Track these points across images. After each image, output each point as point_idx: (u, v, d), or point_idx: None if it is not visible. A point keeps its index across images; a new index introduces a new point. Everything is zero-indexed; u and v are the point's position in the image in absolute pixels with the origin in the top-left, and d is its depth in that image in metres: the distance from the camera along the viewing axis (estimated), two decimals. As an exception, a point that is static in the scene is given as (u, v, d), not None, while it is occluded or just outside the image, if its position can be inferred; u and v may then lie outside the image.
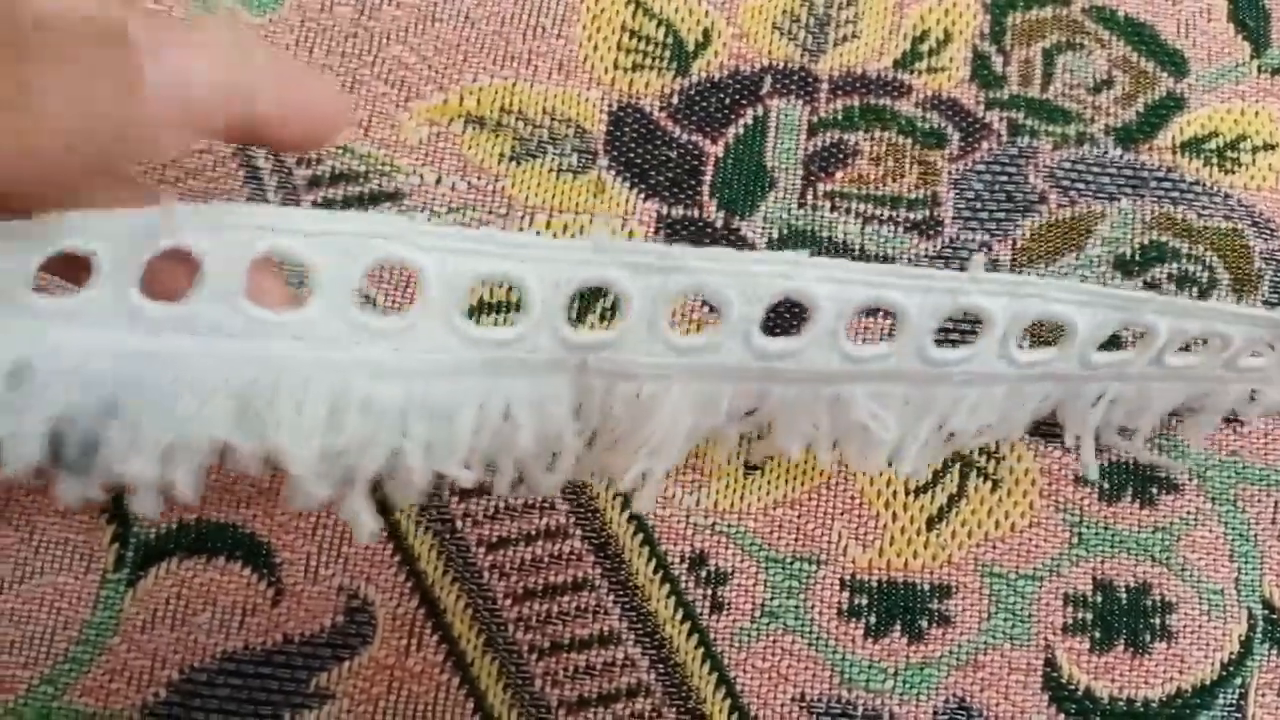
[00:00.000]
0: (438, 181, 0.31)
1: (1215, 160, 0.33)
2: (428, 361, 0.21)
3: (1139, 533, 0.30)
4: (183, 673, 0.28)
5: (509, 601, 0.29)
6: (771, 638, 0.29)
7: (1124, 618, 0.29)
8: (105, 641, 0.28)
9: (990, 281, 0.23)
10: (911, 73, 0.33)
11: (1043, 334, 0.30)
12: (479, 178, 0.32)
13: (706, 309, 0.30)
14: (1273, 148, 0.33)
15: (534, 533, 0.29)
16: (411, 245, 0.20)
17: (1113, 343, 0.26)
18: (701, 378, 0.23)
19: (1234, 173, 0.33)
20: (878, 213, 0.32)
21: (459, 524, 0.29)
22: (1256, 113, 0.33)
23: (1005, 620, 0.29)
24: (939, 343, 0.24)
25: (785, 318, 0.29)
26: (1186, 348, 0.27)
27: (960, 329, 0.30)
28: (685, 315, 0.30)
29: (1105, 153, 0.33)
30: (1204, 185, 0.32)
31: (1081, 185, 0.32)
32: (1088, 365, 0.26)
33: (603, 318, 0.30)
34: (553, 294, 0.21)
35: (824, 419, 0.24)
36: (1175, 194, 0.32)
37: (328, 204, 0.31)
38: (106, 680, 0.28)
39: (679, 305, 0.30)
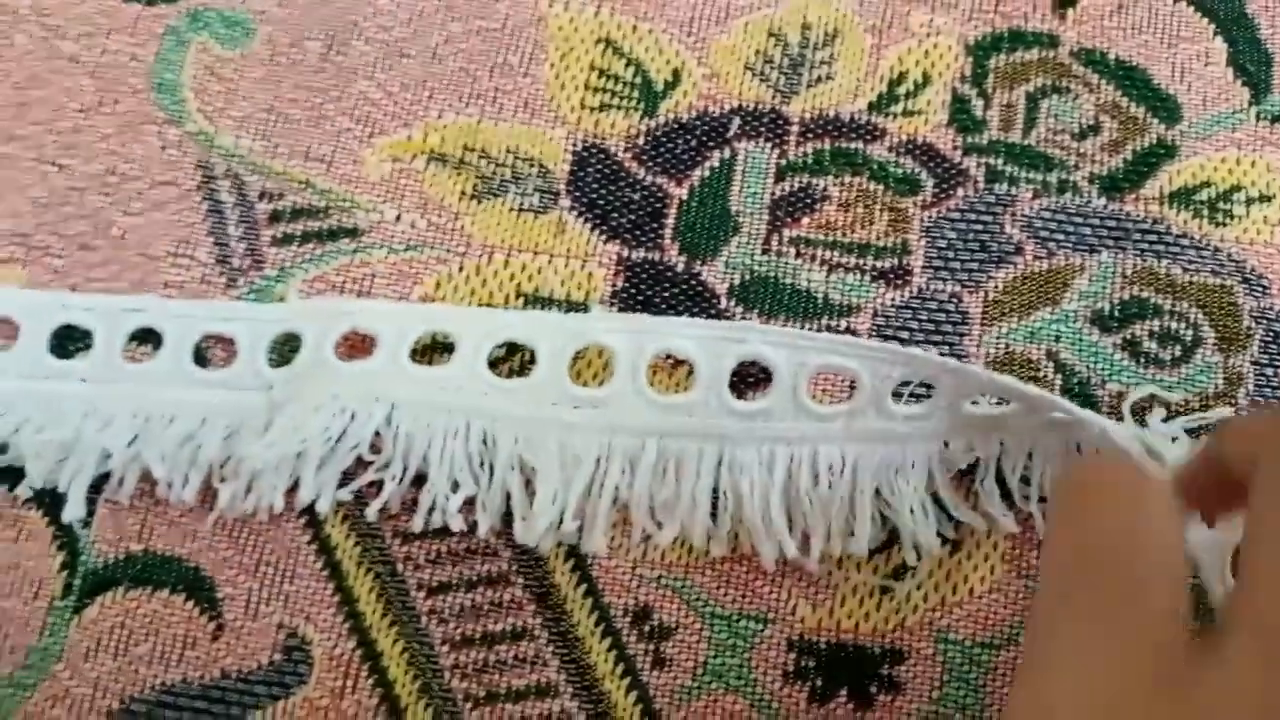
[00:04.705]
0: (397, 218, 0.31)
1: (1206, 212, 0.31)
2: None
3: (1106, 603, 0.28)
4: (122, 703, 0.28)
5: (446, 648, 0.28)
6: (713, 697, 0.28)
7: (1085, 692, 0.28)
8: (49, 668, 0.28)
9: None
10: (886, 116, 0.32)
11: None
12: (439, 215, 0.31)
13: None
14: (1269, 199, 0.31)
15: (475, 579, 0.29)
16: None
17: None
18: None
19: (1225, 225, 0.31)
20: (844, 260, 0.31)
21: (400, 567, 0.29)
22: (1253, 162, 0.32)
23: (958, 689, 0.28)
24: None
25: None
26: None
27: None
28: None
29: (1088, 202, 0.31)
30: (1192, 238, 0.31)
31: (1060, 236, 0.31)
32: (732, 414, 0.28)
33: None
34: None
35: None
36: (1160, 247, 0.31)
37: (287, 239, 0.31)
38: (49, 706, 0.28)
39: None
